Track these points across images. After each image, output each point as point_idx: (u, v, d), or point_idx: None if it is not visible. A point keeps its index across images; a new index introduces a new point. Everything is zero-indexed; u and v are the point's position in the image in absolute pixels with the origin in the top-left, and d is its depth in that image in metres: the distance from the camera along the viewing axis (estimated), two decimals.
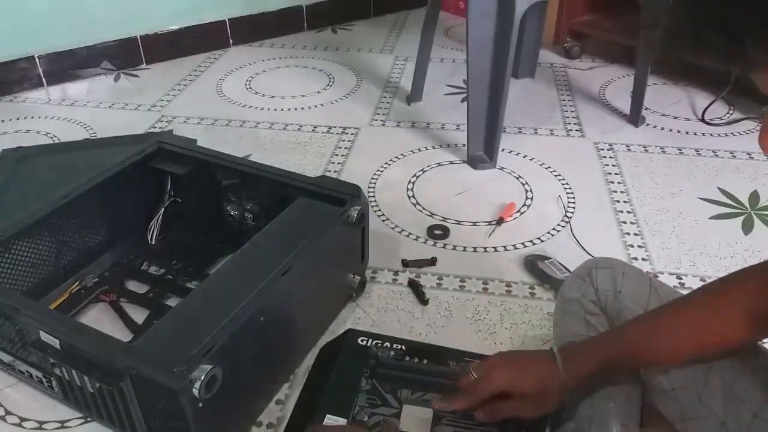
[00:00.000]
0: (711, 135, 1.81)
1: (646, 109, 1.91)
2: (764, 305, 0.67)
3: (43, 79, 2.09)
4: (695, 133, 1.82)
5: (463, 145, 1.71)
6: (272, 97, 2.05)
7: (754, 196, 1.52)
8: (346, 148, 1.75)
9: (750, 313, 0.68)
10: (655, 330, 0.74)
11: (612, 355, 0.75)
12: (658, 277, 1.25)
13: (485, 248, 1.35)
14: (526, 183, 1.59)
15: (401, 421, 0.87)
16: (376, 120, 1.90)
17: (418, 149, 1.74)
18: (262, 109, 1.97)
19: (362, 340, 1.02)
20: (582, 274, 0.88)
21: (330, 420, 0.89)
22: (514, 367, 0.78)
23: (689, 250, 1.34)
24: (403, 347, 0.99)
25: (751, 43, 0.43)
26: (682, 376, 0.75)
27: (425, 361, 0.97)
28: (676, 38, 0.46)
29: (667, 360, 0.75)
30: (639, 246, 1.35)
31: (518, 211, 1.48)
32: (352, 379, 0.95)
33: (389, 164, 1.67)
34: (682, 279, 1.26)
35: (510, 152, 1.72)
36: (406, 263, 1.29)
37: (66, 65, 2.12)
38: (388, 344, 1.01)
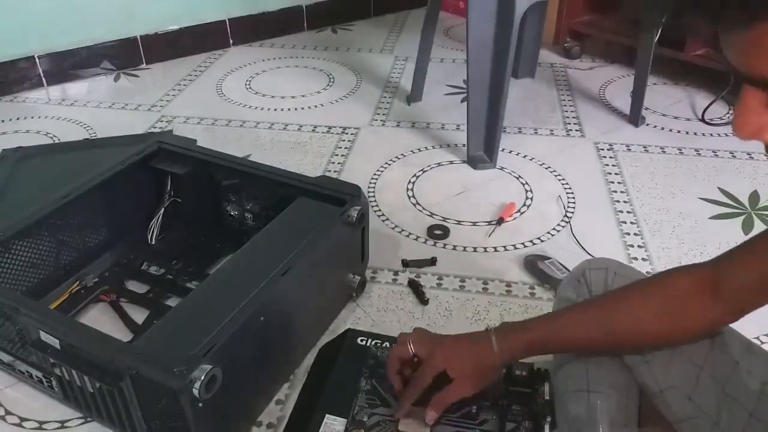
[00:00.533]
0: (711, 135, 1.81)
1: (646, 109, 1.91)
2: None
3: (43, 79, 2.09)
4: (695, 133, 1.82)
5: (463, 145, 1.71)
6: (272, 97, 2.05)
7: (754, 196, 1.52)
8: (346, 148, 1.75)
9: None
10: (591, 317, 0.77)
11: (543, 336, 0.79)
12: None
13: (485, 248, 1.35)
14: (526, 183, 1.59)
15: (401, 421, 0.87)
16: (376, 120, 1.90)
17: (418, 149, 1.74)
18: (262, 109, 1.97)
19: (362, 340, 1.02)
20: (577, 275, 0.88)
21: (329, 420, 0.89)
22: (452, 347, 0.83)
23: (689, 250, 1.34)
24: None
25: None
26: (671, 377, 0.75)
27: None
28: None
29: (599, 346, 0.79)
30: (639, 246, 1.35)
31: (518, 211, 1.48)
32: (351, 380, 0.95)
33: (389, 164, 1.67)
34: None
35: (510, 152, 1.72)
36: (406, 263, 1.29)
37: (66, 65, 2.12)
38: (387, 344, 1.01)
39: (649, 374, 0.76)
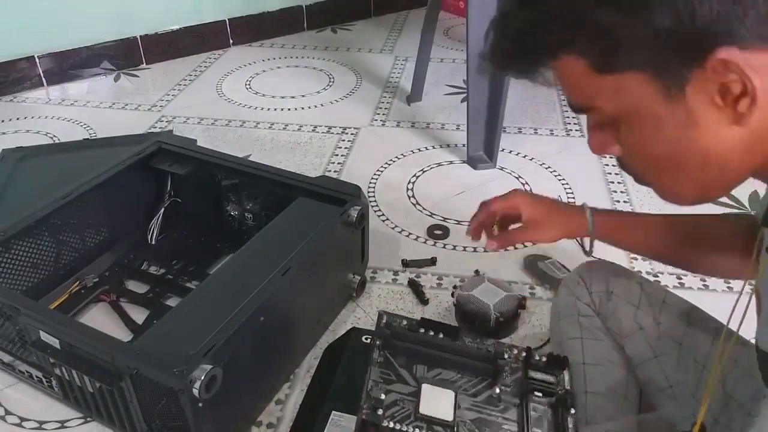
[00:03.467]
0: None
1: None
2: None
3: (43, 79, 2.09)
4: None
5: (463, 145, 1.71)
6: (272, 97, 2.05)
7: (754, 196, 1.52)
8: (346, 148, 1.75)
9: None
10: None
11: (637, 237, 0.83)
12: (658, 277, 1.25)
13: (485, 248, 1.35)
14: (526, 183, 1.59)
15: (421, 403, 0.76)
16: (376, 120, 1.90)
17: (418, 149, 1.74)
18: (262, 109, 1.97)
19: (366, 339, 1.03)
20: (576, 277, 0.88)
21: (335, 417, 0.90)
22: (539, 198, 0.88)
23: None
24: (414, 322, 0.85)
25: (543, 64, 0.52)
26: (680, 374, 0.75)
27: (441, 335, 0.84)
28: (490, 58, 0.54)
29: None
30: None
31: None
32: (358, 376, 0.94)
33: (389, 164, 1.67)
34: (681, 279, 1.26)
35: (510, 152, 1.72)
36: (406, 263, 1.29)
37: (66, 65, 2.12)
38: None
39: (658, 370, 0.77)
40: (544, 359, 0.84)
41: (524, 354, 0.84)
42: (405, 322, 0.85)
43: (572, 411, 0.78)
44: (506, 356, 0.83)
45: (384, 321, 0.83)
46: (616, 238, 0.85)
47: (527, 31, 0.50)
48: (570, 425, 0.75)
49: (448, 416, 0.75)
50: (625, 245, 0.88)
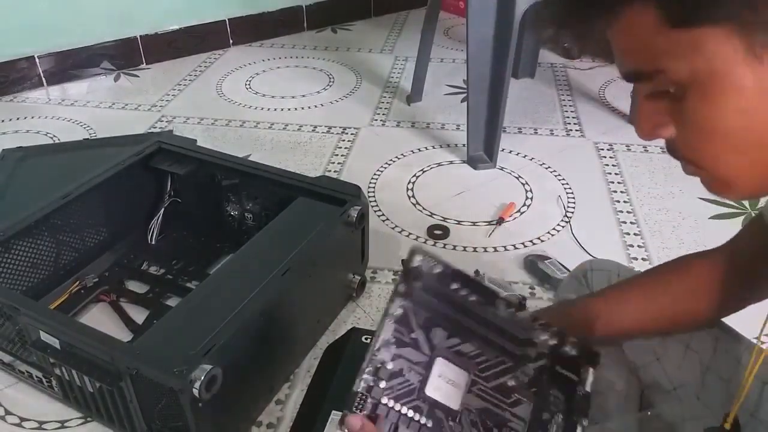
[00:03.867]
0: None
1: None
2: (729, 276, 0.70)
3: (43, 79, 2.09)
4: None
5: (463, 145, 1.71)
6: (272, 97, 2.05)
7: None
8: (346, 148, 1.75)
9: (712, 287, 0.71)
10: (618, 304, 0.75)
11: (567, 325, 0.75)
12: None
13: (485, 248, 1.35)
14: (526, 183, 1.59)
15: (429, 380, 0.64)
16: (376, 120, 1.90)
17: (418, 149, 1.74)
18: (262, 109, 1.97)
19: (366, 339, 1.03)
20: (578, 276, 0.88)
21: (335, 416, 0.90)
22: None
23: (689, 250, 1.33)
24: (449, 274, 0.66)
25: (609, 15, 0.46)
26: (683, 376, 0.75)
27: (473, 297, 0.67)
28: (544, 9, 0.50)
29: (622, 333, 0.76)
30: (639, 246, 1.35)
31: (518, 211, 1.48)
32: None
33: (389, 164, 1.67)
34: None
35: (510, 152, 1.72)
36: None
37: (66, 65, 2.12)
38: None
39: (661, 372, 0.77)
40: (574, 352, 0.69)
41: (556, 340, 0.68)
42: (440, 269, 0.64)
43: (584, 423, 0.69)
44: (536, 340, 0.68)
45: (416, 262, 0.62)
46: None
47: None
48: None
49: (455, 403, 0.64)
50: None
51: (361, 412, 0.59)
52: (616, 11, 0.45)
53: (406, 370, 0.64)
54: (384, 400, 0.61)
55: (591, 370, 0.71)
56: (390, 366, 0.62)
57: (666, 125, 0.49)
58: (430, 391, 0.63)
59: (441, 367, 0.65)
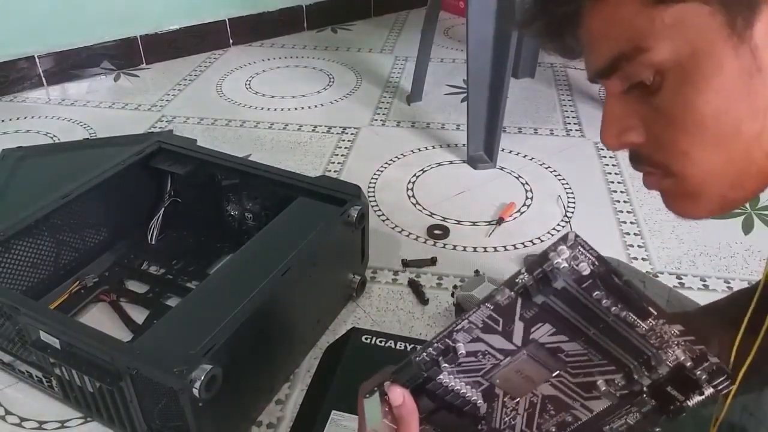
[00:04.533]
0: None
1: None
2: None
3: (43, 79, 2.09)
4: None
5: (463, 145, 1.71)
6: (272, 97, 2.05)
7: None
8: (346, 148, 1.75)
9: None
10: None
11: None
12: (657, 276, 1.25)
13: (485, 248, 1.35)
14: (526, 183, 1.59)
15: (503, 370, 0.53)
16: (376, 120, 1.90)
17: (418, 149, 1.74)
18: (262, 109, 1.97)
19: (366, 339, 1.02)
20: None
21: (335, 416, 0.90)
22: None
23: (689, 250, 1.34)
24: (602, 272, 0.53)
25: (569, 34, 0.45)
26: None
27: (610, 302, 0.52)
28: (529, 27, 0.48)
29: None
30: (639, 246, 1.35)
31: (518, 211, 1.48)
32: (358, 376, 0.95)
33: (389, 164, 1.67)
34: (681, 279, 1.26)
35: (510, 152, 1.72)
36: (406, 263, 1.29)
37: (66, 65, 2.12)
38: (391, 343, 1.00)
39: None
40: (705, 376, 0.53)
41: (690, 362, 0.53)
42: (588, 270, 0.47)
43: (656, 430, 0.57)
44: (666, 357, 0.52)
45: (561, 257, 0.46)
46: None
47: None
48: None
49: (517, 399, 0.55)
50: None
51: (408, 386, 0.52)
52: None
53: (481, 354, 0.53)
54: (441, 377, 0.52)
55: (702, 397, 0.55)
56: (462, 350, 0.51)
57: (635, 128, 0.47)
58: (500, 380, 0.54)
59: (523, 364, 0.53)
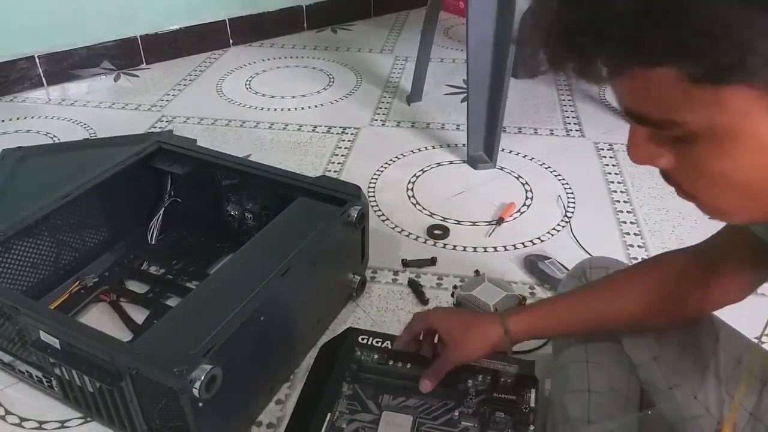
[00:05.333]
0: None
1: None
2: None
3: (43, 79, 2.09)
4: None
5: (463, 145, 1.71)
6: (272, 97, 2.05)
7: None
8: (346, 148, 1.75)
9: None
10: (611, 295, 0.79)
11: (544, 324, 0.82)
12: None
13: (485, 248, 1.35)
14: (526, 183, 1.59)
15: (379, 428, 0.86)
16: (376, 120, 1.90)
17: (418, 149, 1.74)
18: (262, 109, 1.97)
19: (363, 339, 1.02)
20: (577, 275, 0.88)
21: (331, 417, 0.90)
22: (454, 314, 0.92)
23: None
24: (386, 354, 0.97)
25: (598, 61, 0.42)
26: (680, 375, 0.75)
27: (409, 366, 0.95)
28: (537, 55, 0.46)
29: (623, 323, 0.80)
30: (639, 246, 1.35)
31: (518, 211, 1.48)
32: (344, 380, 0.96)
33: (389, 164, 1.67)
34: None
35: (510, 152, 1.72)
36: (406, 263, 1.29)
37: (66, 65, 2.12)
38: (384, 343, 1.01)
39: (657, 371, 0.77)
40: (509, 381, 0.91)
41: (490, 377, 0.91)
42: (377, 356, 0.96)
43: (531, 428, 0.84)
44: (470, 381, 0.91)
45: (355, 356, 0.95)
46: (544, 332, 0.85)
47: (628, 25, 0.38)
48: None
49: None
50: (559, 333, 0.86)
51: None
52: (636, 65, 0.41)
53: (360, 429, 0.86)
54: None
55: (533, 389, 0.89)
56: (345, 426, 0.86)
57: (665, 156, 0.47)
58: (383, 430, 0.85)
59: (388, 417, 0.87)
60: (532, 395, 0.89)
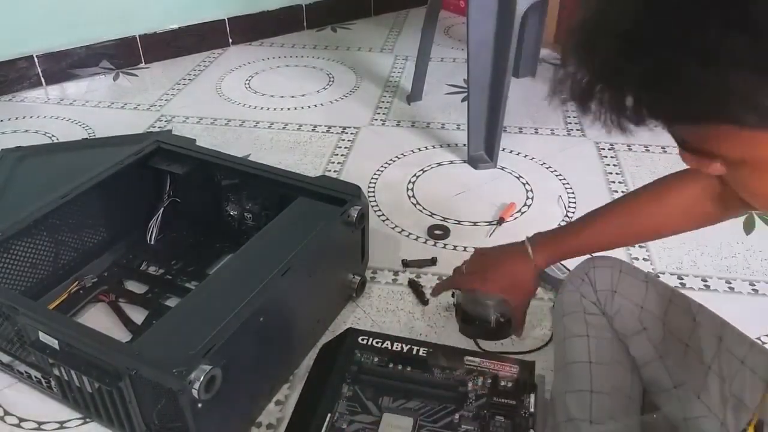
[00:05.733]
0: None
1: None
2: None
3: (42, 78, 2.09)
4: None
5: (464, 145, 1.71)
6: (272, 96, 2.05)
7: None
8: (346, 148, 1.74)
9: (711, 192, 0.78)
10: (633, 215, 0.88)
11: (574, 245, 0.91)
12: (659, 277, 1.25)
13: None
14: (527, 183, 1.58)
15: (380, 429, 0.87)
16: (376, 120, 1.90)
17: (418, 149, 1.74)
18: (262, 108, 1.97)
19: (363, 339, 1.02)
20: (581, 274, 0.88)
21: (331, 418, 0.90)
22: (486, 252, 1.01)
23: (690, 250, 1.34)
24: (386, 357, 0.99)
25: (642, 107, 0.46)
26: (684, 375, 0.75)
27: (409, 368, 0.97)
28: (572, 86, 0.48)
29: (646, 237, 0.91)
30: (640, 246, 1.35)
31: (519, 211, 1.47)
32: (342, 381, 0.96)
33: (389, 164, 1.67)
34: (683, 279, 1.26)
35: (510, 152, 1.72)
36: (406, 263, 1.29)
37: (65, 64, 2.11)
38: (385, 343, 1.01)
39: (662, 370, 0.77)
40: (509, 385, 0.93)
41: (490, 381, 0.93)
42: (377, 359, 0.97)
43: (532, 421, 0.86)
44: (470, 384, 0.93)
45: (355, 358, 0.96)
46: (571, 251, 0.92)
47: (685, 88, 0.39)
48: None
49: None
50: (584, 251, 0.92)
51: None
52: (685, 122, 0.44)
53: (360, 430, 0.86)
54: None
55: (533, 394, 0.91)
56: (345, 426, 0.86)
57: (712, 164, 0.48)
58: None
59: (388, 418, 0.87)
60: (532, 400, 0.90)
